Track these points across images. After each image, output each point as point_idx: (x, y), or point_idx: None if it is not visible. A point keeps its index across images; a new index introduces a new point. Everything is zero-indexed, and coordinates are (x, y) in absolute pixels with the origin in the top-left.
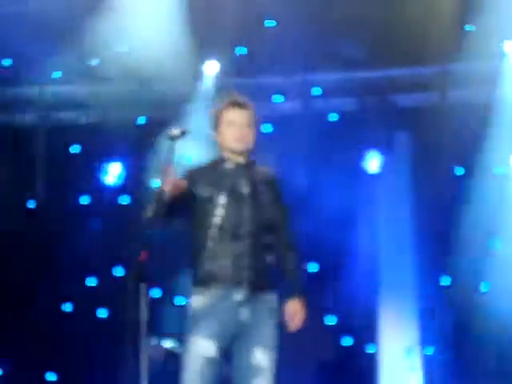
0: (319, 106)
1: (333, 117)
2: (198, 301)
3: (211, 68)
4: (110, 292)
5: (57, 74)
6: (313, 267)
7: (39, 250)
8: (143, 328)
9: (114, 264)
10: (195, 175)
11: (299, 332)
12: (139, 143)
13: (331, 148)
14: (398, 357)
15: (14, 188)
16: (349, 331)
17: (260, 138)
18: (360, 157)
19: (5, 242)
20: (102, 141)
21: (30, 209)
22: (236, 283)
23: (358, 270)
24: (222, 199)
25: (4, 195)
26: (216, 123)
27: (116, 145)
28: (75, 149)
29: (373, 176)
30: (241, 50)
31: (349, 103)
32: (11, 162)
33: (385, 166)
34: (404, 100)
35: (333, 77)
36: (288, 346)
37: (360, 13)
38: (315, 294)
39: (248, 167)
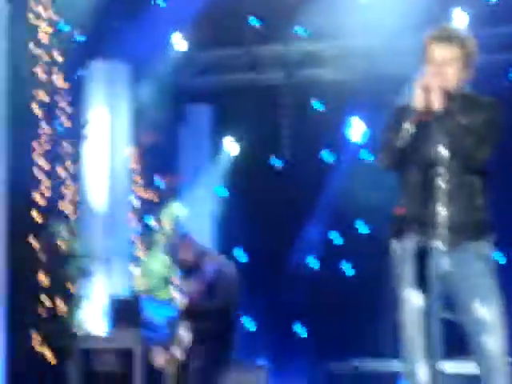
0: None
1: None
2: (396, 248)
3: (460, 17)
4: (355, 247)
5: (301, 31)
6: None
7: (285, 207)
8: (399, 283)
9: (358, 219)
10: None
11: None
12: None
13: None
14: None
15: (259, 147)
16: None
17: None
18: None
19: (251, 200)
20: (348, 97)
21: (276, 167)
22: (434, 229)
23: None
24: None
25: (250, 154)
26: (422, 62)
27: (361, 101)
28: (320, 105)
29: None
30: None
31: None
32: (257, 121)
33: None
34: None
35: None
36: None
37: None
38: None
39: (449, 114)
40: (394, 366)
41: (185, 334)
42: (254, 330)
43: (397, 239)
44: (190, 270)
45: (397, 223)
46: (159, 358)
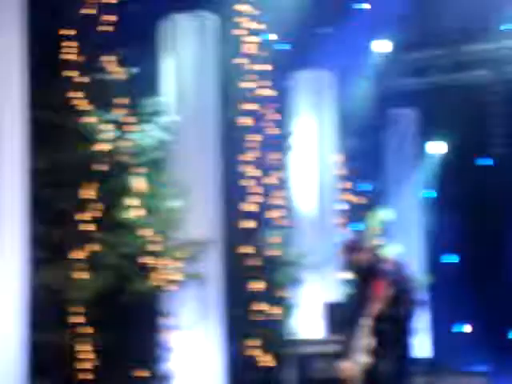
0: None
1: None
2: None
3: None
4: None
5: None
6: None
7: (498, 208)
8: None
9: None
10: None
11: None
12: None
13: None
14: None
15: (467, 147)
16: None
17: None
18: None
19: (460, 202)
20: None
21: (486, 166)
22: None
23: None
24: None
25: (457, 155)
26: None
27: None
28: None
29: None
30: None
31: None
32: (463, 121)
33: None
34: None
35: None
36: None
37: None
38: None
39: None
40: None
41: (370, 338)
42: (472, 335)
43: None
44: (364, 274)
45: None
46: (346, 368)
